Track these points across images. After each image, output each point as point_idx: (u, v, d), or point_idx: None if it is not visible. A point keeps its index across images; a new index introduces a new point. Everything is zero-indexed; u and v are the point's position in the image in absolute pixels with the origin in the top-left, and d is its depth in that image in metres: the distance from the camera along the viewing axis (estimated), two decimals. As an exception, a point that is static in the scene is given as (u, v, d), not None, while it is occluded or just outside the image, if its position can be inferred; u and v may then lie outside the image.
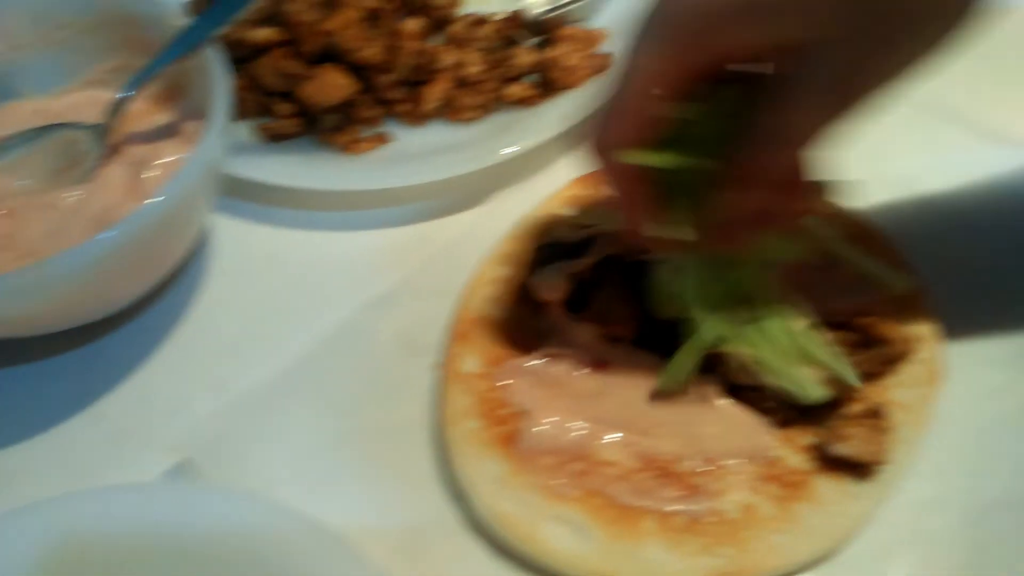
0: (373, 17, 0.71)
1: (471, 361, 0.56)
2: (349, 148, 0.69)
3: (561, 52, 0.72)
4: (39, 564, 0.46)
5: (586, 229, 0.59)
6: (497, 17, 0.76)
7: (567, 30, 0.75)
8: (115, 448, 0.56)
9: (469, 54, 0.73)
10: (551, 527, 0.49)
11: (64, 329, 0.59)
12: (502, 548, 0.50)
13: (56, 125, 0.63)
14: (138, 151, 0.63)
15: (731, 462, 0.51)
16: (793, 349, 0.51)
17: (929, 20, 0.42)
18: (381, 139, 0.70)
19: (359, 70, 0.70)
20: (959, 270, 0.61)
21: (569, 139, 0.71)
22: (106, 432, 0.57)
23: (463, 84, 0.72)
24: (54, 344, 0.60)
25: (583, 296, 0.57)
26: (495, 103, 0.72)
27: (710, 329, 0.51)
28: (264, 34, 0.68)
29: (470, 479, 0.51)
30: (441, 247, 0.65)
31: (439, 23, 0.77)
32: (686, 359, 0.52)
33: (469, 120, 0.71)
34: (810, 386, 0.51)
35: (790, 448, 0.52)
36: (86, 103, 0.65)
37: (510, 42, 0.74)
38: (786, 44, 0.43)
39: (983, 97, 0.73)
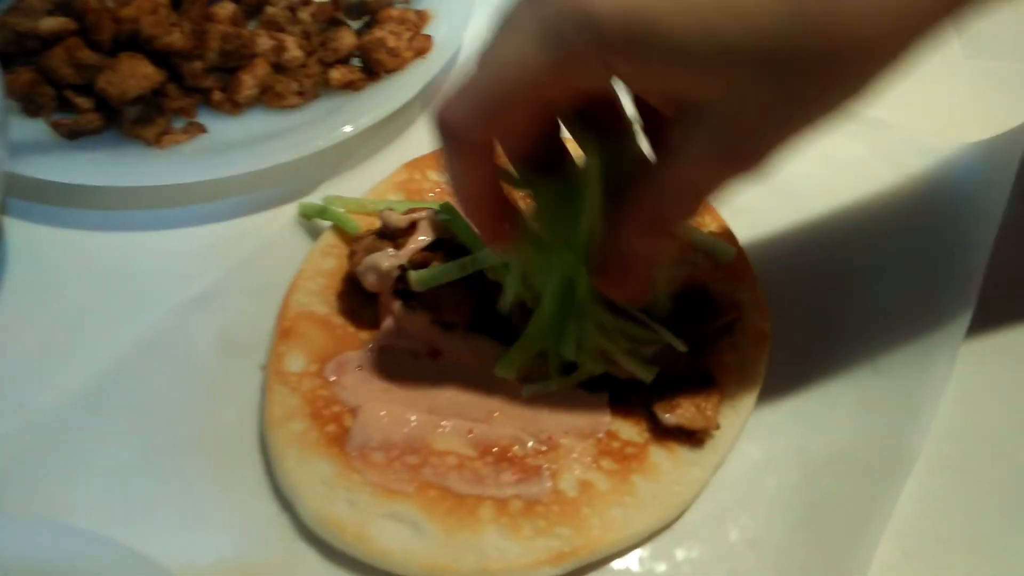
0: (177, 2, 0.67)
1: (296, 359, 0.53)
2: (159, 141, 0.64)
3: (384, 34, 0.70)
4: None
5: (414, 214, 0.57)
6: (317, -1, 0.73)
7: (390, 11, 0.73)
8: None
9: (287, 38, 0.69)
10: (384, 525, 0.47)
11: None
12: (337, 553, 0.48)
13: None
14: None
15: (566, 440, 0.51)
16: (618, 331, 0.51)
17: (843, 93, 0.39)
18: (195, 130, 0.66)
19: (164, 58, 0.66)
20: (781, 237, 0.63)
21: (396, 123, 0.69)
22: None
23: (282, 69, 0.69)
24: None
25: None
26: (317, 88, 0.69)
27: (539, 325, 0.51)
28: (53, 23, 0.63)
29: (295, 484, 0.48)
30: (264, 242, 0.61)
31: (256, 7, 0.73)
32: (520, 353, 0.51)
33: (290, 107, 0.68)
34: (639, 368, 0.51)
35: (626, 421, 0.52)
36: None
37: (332, 24, 0.71)
38: (678, 99, 0.39)
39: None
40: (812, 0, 0.35)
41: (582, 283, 0.48)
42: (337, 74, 0.69)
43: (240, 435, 0.52)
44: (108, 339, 0.55)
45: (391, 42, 0.70)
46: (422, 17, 0.74)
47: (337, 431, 0.50)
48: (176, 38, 0.65)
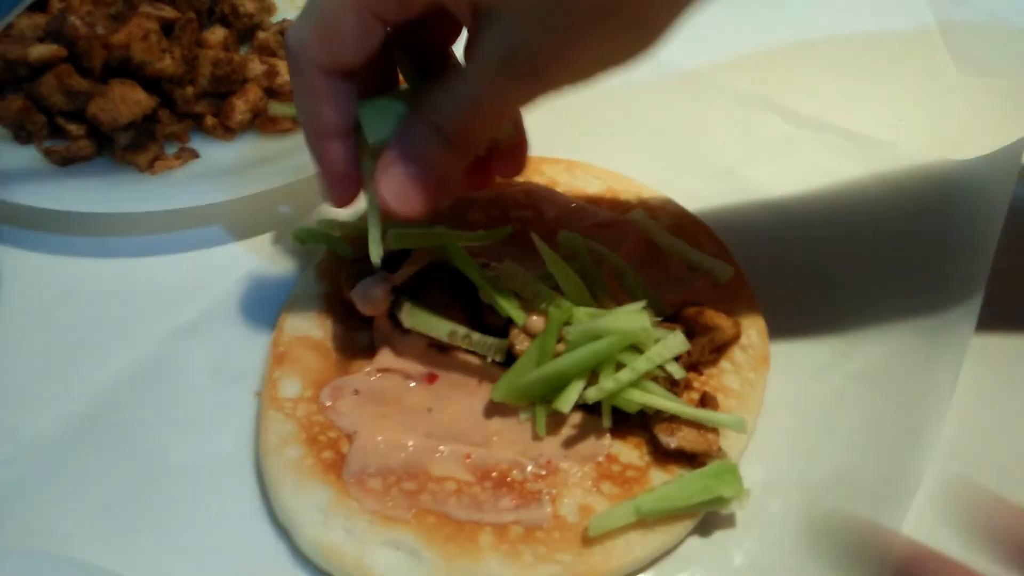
0: (168, 28, 0.67)
1: (291, 384, 0.52)
2: (151, 167, 0.64)
3: (376, 57, 0.70)
4: None
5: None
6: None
7: (382, 35, 0.73)
8: None
9: (279, 62, 0.69)
10: (382, 553, 0.46)
11: None
12: (334, 582, 0.47)
13: None
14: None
15: (566, 464, 0.50)
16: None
17: (624, 29, 0.41)
18: (188, 155, 0.65)
19: (156, 84, 0.65)
20: (779, 257, 0.63)
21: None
22: None
23: (274, 94, 0.69)
24: None
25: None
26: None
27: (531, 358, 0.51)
28: (43, 50, 0.63)
29: (292, 512, 0.47)
30: (257, 266, 0.61)
31: (248, 32, 0.73)
32: (516, 379, 0.50)
33: (283, 131, 0.68)
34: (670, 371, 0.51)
35: (626, 444, 0.51)
36: None
37: (323, 49, 0.71)
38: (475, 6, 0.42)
39: (799, 87, 0.76)
40: None
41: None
42: (330, 98, 0.68)
43: (235, 462, 0.51)
44: (101, 366, 0.55)
45: (384, 66, 0.70)
46: (415, 41, 0.74)
47: (334, 457, 0.49)
48: (167, 64, 0.65)
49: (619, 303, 0.53)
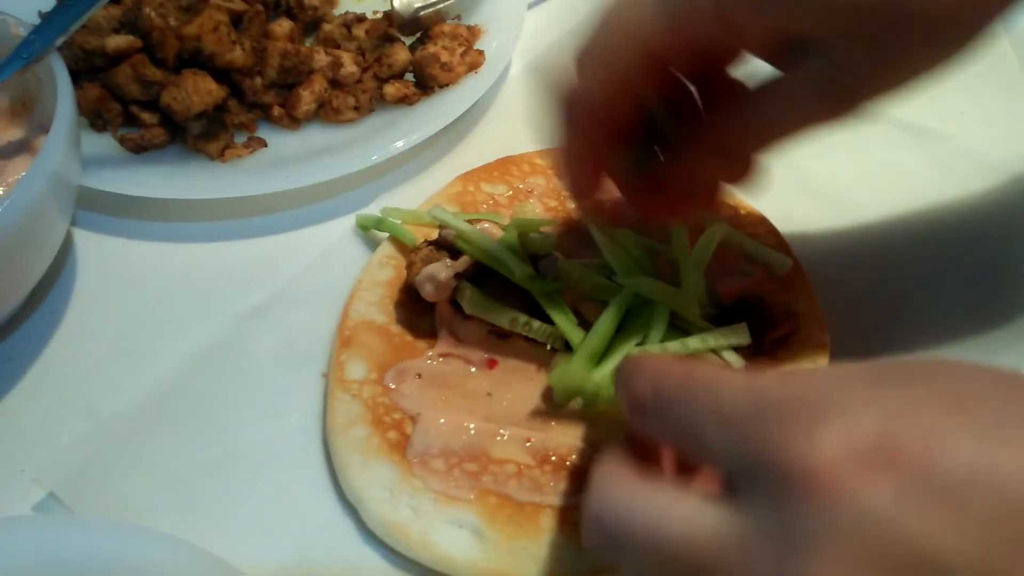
0: (238, 20, 0.69)
1: (357, 367, 0.54)
2: (222, 155, 0.66)
3: (437, 49, 0.71)
4: None
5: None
6: (372, 16, 0.75)
7: (443, 27, 0.74)
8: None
9: (343, 54, 0.71)
10: (446, 531, 0.47)
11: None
12: (399, 557, 0.48)
13: None
14: (-15, 170, 0.59)
15: (625, 450, 0.51)
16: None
17: (946, 34, 0.40)
18: (256, 144, 0.67)
19: (226, 74, 0.67)
20: (838, 249, 0.63)
21: (449, 136, 0.70)
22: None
23: (338, 85, 0.70)
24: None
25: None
26: (373, 103, 0.70)
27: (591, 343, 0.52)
28: (119, 41, 0.65)
29: (360, 489, 0.49)
30: (322, 253, 0.62)
31: (312, 24, 0.75)
32: (572, 376, 0.51)
33: (346, 121, 0.69)
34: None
35: (684, 432, 0.52)
36: (-76, 119, 0.60)
37: (386, 40, 0.72)
38: (791, 36, 0.41)
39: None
40: None
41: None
42: (392, 89, 0.70)
43: (303, 441, 0.53)
44: (174, 346, 0.57)
45: (444, 57, 0.71)
46: (474, 32, 0.75)
47: (398, 438, 0.51)
48: (237, 55, 0.67)
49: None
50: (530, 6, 0.78)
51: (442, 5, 0.75)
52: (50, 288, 0.60)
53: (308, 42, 0.74)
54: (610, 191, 0.51)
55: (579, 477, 0.50)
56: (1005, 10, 0.40)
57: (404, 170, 0.68)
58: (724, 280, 0.58)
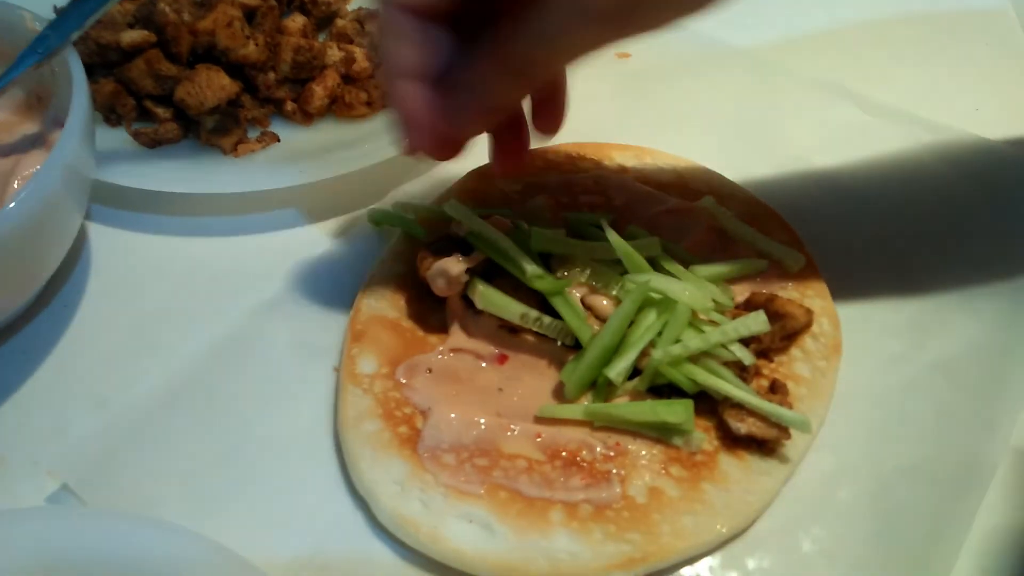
0: (251, 15, 0.69)
1: (368, 361, 0.54)
2: (235, 150, 0.66)
3: (450, 45, 0.71)
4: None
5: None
6: (384, 12, 0.75)
7: (456, 22, 0.74)
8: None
9: (356, 49, 0.71)
10: (456, 526, 0.47)
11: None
12: (409, 551, 0.48)
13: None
14: (2, 163, 0.59)
15: (634, 446, 0.51)
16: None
17: None
18: (269, 139, 0.67)
19: (239, 69, 0.67)
20: (851, 245, 0.63)
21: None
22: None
23: (351, 80, 0.70)
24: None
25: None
26: (385, 98, 0.70)
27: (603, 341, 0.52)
28: (134, 36, 0.65)
29: (371, 483, 0.49)
30: (335, 247, 0.62)
31: (326, 19, 0.75)
32: (585, 372, 0.52)
33: (359, 117, 0.69)
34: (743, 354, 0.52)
35: (695, 429, 0.51)
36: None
37: (398, 36, 0.72)
38: None
39: (871, 72, 0.75)
40: None
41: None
42: (405, 84, 0.70)
43: (315, 434, 0.53)
44: (186, 340, 0.57)
45: (457, 53, 0.71)
46: (487, 28, 0.75)
47: (409, 432, 0.51)
48: (251, 50, 0.67)
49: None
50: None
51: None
52: (64, 282, 0.61)
53: (321, 37, 0.74)
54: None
55: (590, 473, 0.49)
56: None
57: (417, 166, 0.68)
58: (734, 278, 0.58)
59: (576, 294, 0.54)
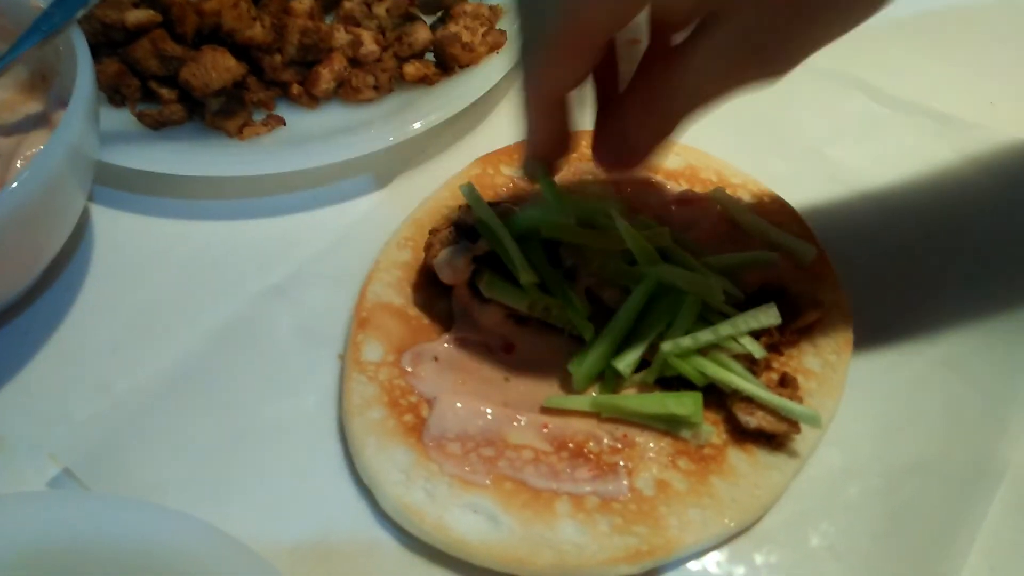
0: (258, -4, 0.68)
1: (374, 349, 0.53)
2: (240, 133, 0.65)
3: (458, 29, 0.70)
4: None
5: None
6: (393, -6, 0.74)
7: (464, 6, 0.73)
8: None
9: (363, 32, 0.70)
10: (461, 515, 0.47)
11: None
12: (414, 540, 0.48)
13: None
14: (5, 143, 0.58)
15: (642, 439, 0.50)
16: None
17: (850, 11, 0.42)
18: (274, 122, 0.67)
19: (245, 51, 0.66)
20: (863, 238, 0.62)
21: (470, 117, 0.69)
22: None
23: (358, 64, 0.69)
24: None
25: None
26: (392, 83, 0.69)
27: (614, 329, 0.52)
28: (139, 15, 0.64)
29: (374, 471, 0.48)
30: (340, 233, 0.62)
31: (333, 1, 0.74)
32: (593, 364, 0.51)
33: (366, 101, 0.68)
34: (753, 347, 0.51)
35: (704, 422, 0.51)
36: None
37: (407, 19, 0.72)
38: (705, 9, 0.42)
39: (885, 65, 0.74)
40: None
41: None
42: (412, 69, 0.69)
43: (319, 421, 0.52)
44: (190, 326, 0.56)
45: (465, 37, 0.70)
46: (496, 12, 0.74)
47: (414, 421, 0.50)
48: (257, 32, 0.66)
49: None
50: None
51: (464, -16, 0.74)
52: (67, 263, 0.60)
53: (328, 20, 0.73)
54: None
55: (597, 465, 0.49)
56: None
57: (423, 151, 0.67)
58: (748, 268, 0.57)
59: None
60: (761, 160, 0.65)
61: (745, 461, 0.50)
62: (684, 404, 0.49)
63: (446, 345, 0.54)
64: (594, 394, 0.52)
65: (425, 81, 0.69)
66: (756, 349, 0.51)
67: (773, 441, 0.50)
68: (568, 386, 0.52)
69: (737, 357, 0.51)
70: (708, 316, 0.52)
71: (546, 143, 0.50)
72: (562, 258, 0.54)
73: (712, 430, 0.50)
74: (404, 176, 0.65)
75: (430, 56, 0.71)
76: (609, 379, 0.51)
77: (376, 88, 0.69)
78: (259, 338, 0.56)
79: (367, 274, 0.57)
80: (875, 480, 0.51)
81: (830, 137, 0.69)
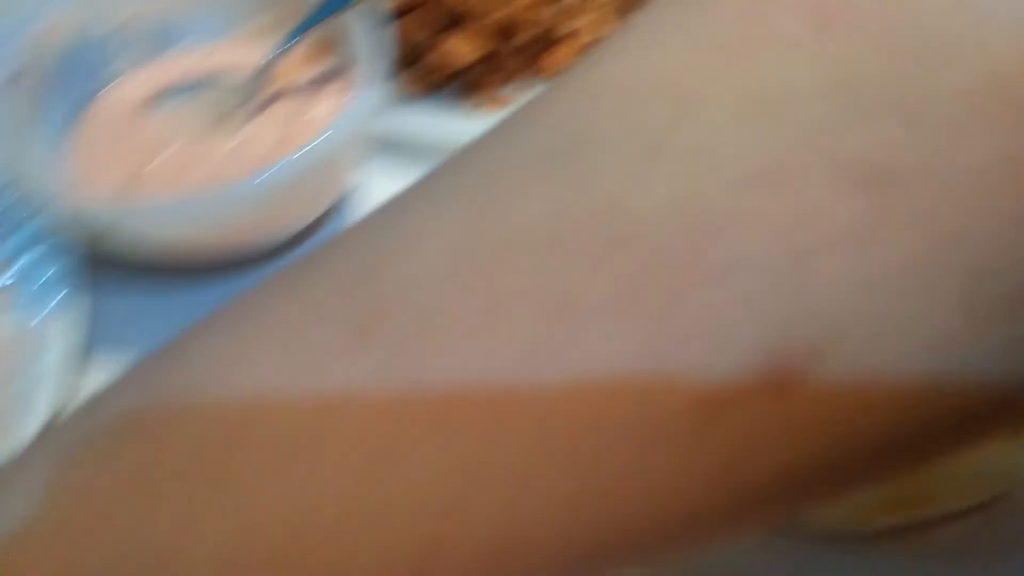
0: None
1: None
2: (480, 109, 0.71)
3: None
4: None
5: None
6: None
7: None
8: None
9: (586, 17, 0.75)
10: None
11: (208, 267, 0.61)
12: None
13: (211, 79, 0.65)
14: (291, 106, 0.65)
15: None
16: None
17: None
18: (508, 102, 0.72)
19: (486, 34, 0.72)
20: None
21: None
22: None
23: (581, 51, 0.75)
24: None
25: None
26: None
27: None
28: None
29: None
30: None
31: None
32: None
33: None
34: None
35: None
36: (242, 57, 0.66)
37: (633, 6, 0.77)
38: None
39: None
40: None
41: None
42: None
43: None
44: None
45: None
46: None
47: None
48: (499, 16, 0.72)
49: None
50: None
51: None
52: (328, 219, 0.65)
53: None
54: None
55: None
56: None
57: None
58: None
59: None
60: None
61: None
62: None
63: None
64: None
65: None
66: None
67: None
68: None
69: None
70: None
71: None
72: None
73: None
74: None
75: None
76: None
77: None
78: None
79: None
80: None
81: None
